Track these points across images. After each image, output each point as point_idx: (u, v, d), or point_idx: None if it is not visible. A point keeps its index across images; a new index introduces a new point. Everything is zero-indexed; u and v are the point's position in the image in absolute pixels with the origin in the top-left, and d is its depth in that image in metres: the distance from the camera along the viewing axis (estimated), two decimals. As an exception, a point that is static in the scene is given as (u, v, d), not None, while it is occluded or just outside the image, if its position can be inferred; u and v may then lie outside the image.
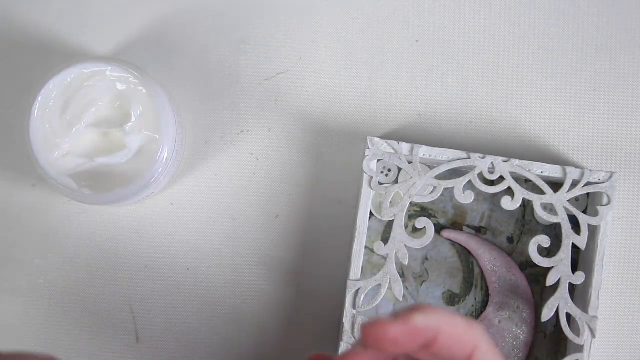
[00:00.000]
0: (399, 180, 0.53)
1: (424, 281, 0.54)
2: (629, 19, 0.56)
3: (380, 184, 0.53)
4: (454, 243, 0.55)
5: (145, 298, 0.55)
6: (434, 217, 0.55)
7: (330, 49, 0.56)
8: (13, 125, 0.56)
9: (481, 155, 0.51)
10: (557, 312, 0.50)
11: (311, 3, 0.56)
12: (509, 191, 0.51)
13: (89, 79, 0.51)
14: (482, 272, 0.54)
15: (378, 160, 0.53)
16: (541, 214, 0.51)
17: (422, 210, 0.55)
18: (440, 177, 0.52)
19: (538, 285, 0.54)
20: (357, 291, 0.51)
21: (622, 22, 0.56)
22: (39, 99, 0.50)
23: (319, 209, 0.55)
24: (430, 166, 0.52)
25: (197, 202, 0.55)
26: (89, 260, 0.55)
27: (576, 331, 0.50)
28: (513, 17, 0.56)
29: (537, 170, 0.51)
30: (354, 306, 0.51)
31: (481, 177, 0.51)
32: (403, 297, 0.53)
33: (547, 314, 0.50)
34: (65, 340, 0.55)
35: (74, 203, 0.55)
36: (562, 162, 0.55)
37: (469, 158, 0.51)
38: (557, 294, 0.50)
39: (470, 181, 0.51)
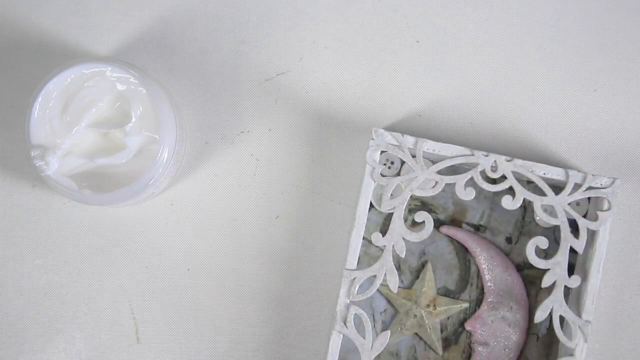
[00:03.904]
0: (401, 173, 0.53)
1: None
2: (629, 19, 0.56)
3: (383, 175, 0.53)
4: (452, 240, 0.55)
5: (145, 298, 0.55)
6: (434, 212, 0.55)
7: (330, 49, 0.56)
8: (13, 125, 0.56)
9: (485, 153, 0.51)
10: (550, 314, 0.50)
11: (311, 3, 0.56)
12: (510, 191, 0.51)
13: (89, 80, 0.51)
14: (478, 270, 0.54)
15: (381, 152, 0.53)
16: (541, 216, 0.51)
17: (422, 205, 0.55)
18: (442, 172, 0.52)
19: (534, 286, 0.54)
20: (352, 281, 0.51)
21: (622, 22, 0.56)
22: (39, 99, 0.50)
23: (319, 210, 0.55)
24: (433, 161, 0.52)
25: (198, 202, 0.55)
26: (89, 260, 0.55)
27: (568, 334, 0.50)
28: (513, 17, 0.56)
29: (539, 172, 0.51)
30: (348, 296, 0.51)
31: (483, 175, 0.51)
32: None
33: (540, 316, 0.50)
34: (65, 340, 0.55)
35: (74, 203, 0.55)
36: (561, 163, 0.55)
37: (473, 155, 0.51)
38: (552, 297, 0.50)
39: (472, 178, 0.51)
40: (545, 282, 0.51)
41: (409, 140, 0.51)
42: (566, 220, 0.51)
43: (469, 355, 0.54)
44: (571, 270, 0.53)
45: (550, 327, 0.52)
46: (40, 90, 0.50)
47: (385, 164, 0.54)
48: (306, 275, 0.55)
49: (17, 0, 0.56)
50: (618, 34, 0.56)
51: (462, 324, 0.54)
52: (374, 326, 0.54)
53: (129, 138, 0.51)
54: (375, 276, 0.51)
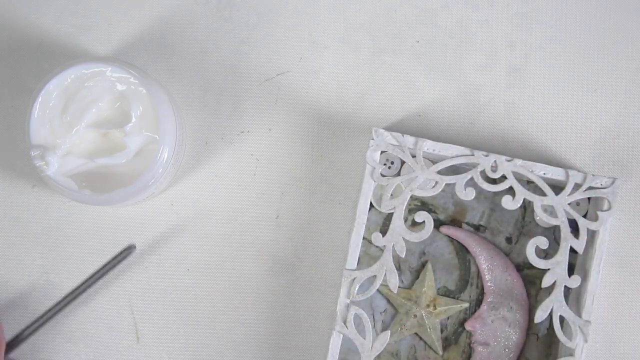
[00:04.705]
0: (401, 174, 0.53)
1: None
2: (629, 19, 0.56)
3: (383, 175, 0.53)
4: (452, 240, 0.55)
5: (145, 298, 0.55)
6: (434, 212, 0.55)
7: (330, 49, 0.56)
8: (13, 125, 0.56)
9: (485, 153, 0.51)
10: (550, 314, 0.50)
11: (311, 3, 0.56)
12: (511, 191, 0.51)
13: (89, 80, 0.51)
14: (478, 270, 0.54)
15: (381, 152, 0.53)
16: (541, 216, 0.51)
17: (422, 205, 0.55)
18: (442, 172, 0.52)
19: (534, 286, 0.54)
20: (352, 281, 0.51)
21: (622, 22, 0.56)
22: (39, 99, 0.50)
23: (319, 210, 0.55)
24: (433, 161, 0.52)
25: (198, 202, 0.55)
26: (89, 260, 0.55)
27: (568, 334, 0.50)
28: (513, 17, 0.56)
29: (539, 172, 0.51)
30: (348, 296, 0.51)
31: (483, 175, 0.51)
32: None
33: (540, 316, 0.50)
34: (65, 340, 0.55)
35: (74, 203, 0.55)
36: (561, 163, 0.55)
37: (473, 155, 0.51)
38: (552, 297, 0.50)
39: (472, 178, 0.51)
40: (545, 282, 0.51)
41: (409, 140, 0.51)
42: (566, 220, 0.51)
43: (469, 355, 0.54)
44: (571, 270, 0.53)
45: (550, 327, 0.52)
46: (40, 90, 0.50)
47: (385, 164, 0.54)
48: (306, 275, 0.55)
49: (17, 0, 0.56)
50: (618, 34, 0.56)
51: (462, 324, 0.54)
52: (374, 326, 0.54)
53: (129, 138, 0.51)
54: (375, 276, 0.51)
